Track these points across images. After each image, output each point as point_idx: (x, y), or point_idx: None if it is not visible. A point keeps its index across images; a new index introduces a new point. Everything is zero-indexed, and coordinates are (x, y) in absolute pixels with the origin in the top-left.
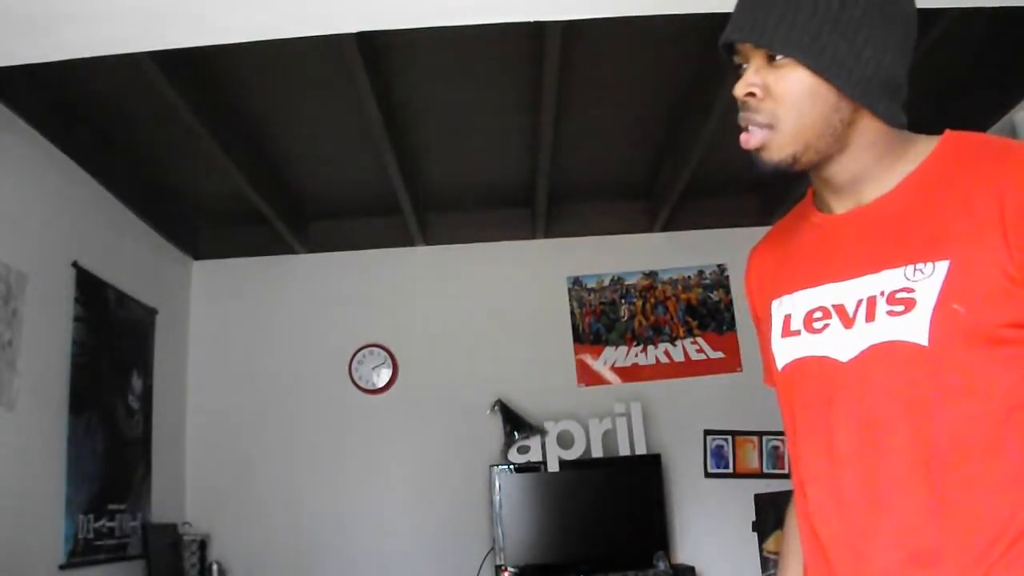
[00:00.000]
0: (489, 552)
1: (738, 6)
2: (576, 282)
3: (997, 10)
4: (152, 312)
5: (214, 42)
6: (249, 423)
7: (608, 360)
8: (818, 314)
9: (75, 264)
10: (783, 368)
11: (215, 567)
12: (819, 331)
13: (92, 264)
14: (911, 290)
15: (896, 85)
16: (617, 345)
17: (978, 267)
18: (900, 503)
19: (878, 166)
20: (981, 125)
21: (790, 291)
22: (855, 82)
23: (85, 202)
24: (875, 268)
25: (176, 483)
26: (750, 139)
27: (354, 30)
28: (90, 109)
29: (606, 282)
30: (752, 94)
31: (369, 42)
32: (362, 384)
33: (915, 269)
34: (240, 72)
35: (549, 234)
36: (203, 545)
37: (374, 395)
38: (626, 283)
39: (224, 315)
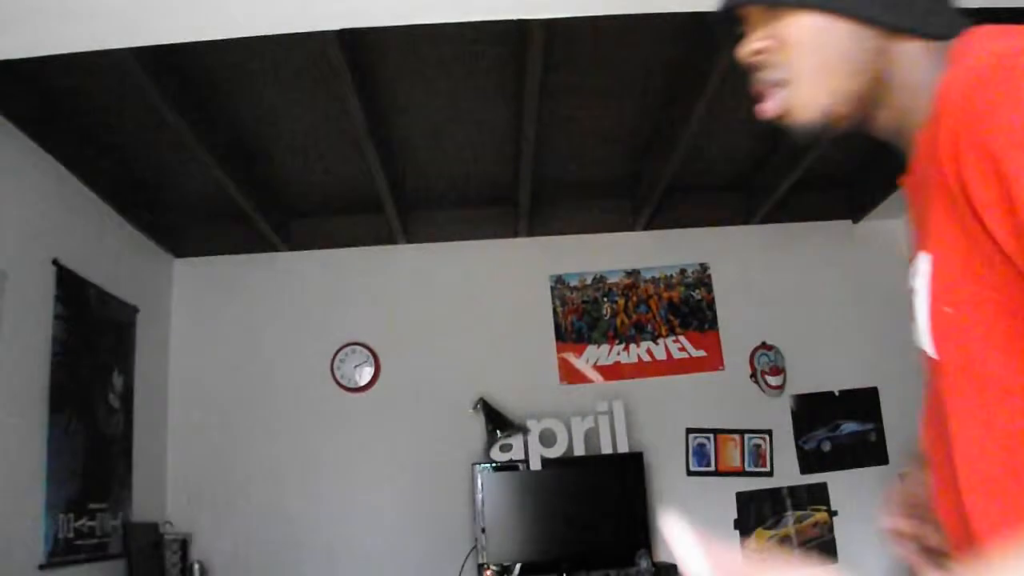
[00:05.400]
0: (471, 551)
1: None
2: (559, 280)
3: (981, 11)
4: (133, 310)
5: (193, 39)
6: (231, 422)
7: (590, 358)
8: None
9: (55, 262)
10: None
11: (196, 567)
12: (915, 318)
13: (73, 262)
14: (914, 290)
15: None
16: (599, 343)
17: (951, 253)
18: (973, 517)
19: (917, 98)
20: None
21: (910, 260)
22: (874, 6)
23: (66, 199)
24: (915, 252)
25: (157, 482)
26: (768, 106)
27: (336, 27)
28: (71, 106)
29: (588, 280)
30: (760, 50)
31: (352, 40)
32: (344, 382)
33: (918, 263)
34: (222, 69)
35: (532, 232)
36: (184, 544)
37: (356, 394)
38: (608, 282)
39: (205, 313)
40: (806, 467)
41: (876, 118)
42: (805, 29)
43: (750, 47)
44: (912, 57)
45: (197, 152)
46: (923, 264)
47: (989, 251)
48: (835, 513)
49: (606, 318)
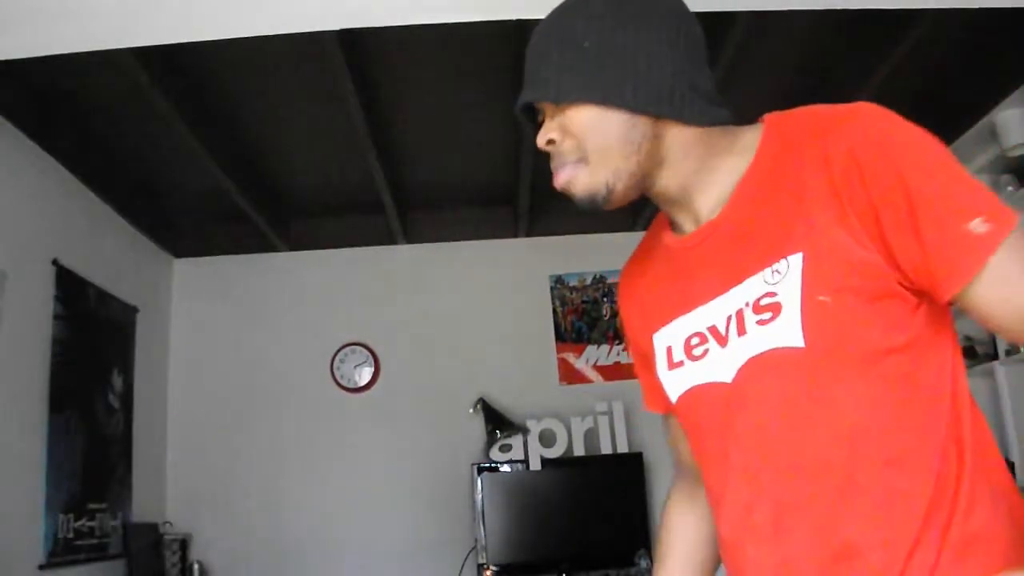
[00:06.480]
0: (471, 551)
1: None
2: (558, 281)
3: (976, 11)
4: (133, 310)
5: (193, 39)
6: (230, 422)
7: (590, 358)
8: (695, 340)
9: (55, 262)
10: (677, 401)
11: (196, 567)
12: (700, 357)
13: (72, 262)
14: (773, 294)
15: (689, 85)
16: (599, 343)
17: (831, 249)
18: (808, 511)
19: (703, 170)
20: (960, 126)
21: (666, 322)
22: (639, 99)
23: (65, 199)
24: (737, 280)
25: (157, 482)
26: (558, 177)
27: (336, 28)
28: (71, 106)
29: (588, 281)
30: (552, 140)
31: (352, 40)
32: (344, 383)
33: (773, 271)
34: (223, 69)
35: (531, 233)
36: (184, 545)
37: (356, 394)
38: (608, 282)
39: (205, 313)
40: None
41: (653, 186)
42: (586, 119)
43: (543, 137)
44: (684, 138)
45: (197, 152)
46: (788, 264)
47: (872, 253)
48: None
49: (606, 318)
